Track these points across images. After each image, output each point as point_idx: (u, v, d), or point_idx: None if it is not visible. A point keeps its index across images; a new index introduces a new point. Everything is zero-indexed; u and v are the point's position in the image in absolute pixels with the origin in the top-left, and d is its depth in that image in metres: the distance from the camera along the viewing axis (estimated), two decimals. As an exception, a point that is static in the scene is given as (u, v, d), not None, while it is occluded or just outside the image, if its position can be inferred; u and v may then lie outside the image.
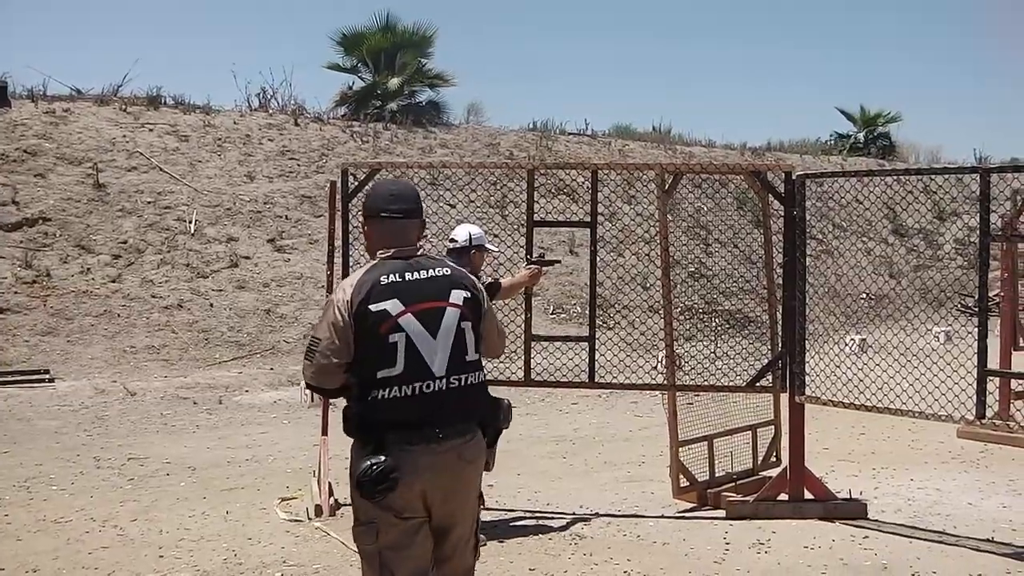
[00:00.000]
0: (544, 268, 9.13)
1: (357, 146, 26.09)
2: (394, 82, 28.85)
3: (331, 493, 9.31)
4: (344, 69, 30.25)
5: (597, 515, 9.23)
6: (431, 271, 4.95)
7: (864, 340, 21.04)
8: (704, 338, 19.80)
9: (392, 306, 4.76)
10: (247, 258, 20.98)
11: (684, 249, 25.15)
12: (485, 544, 7.18)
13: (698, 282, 23.72)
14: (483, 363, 5.09)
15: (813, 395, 9.12)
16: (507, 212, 23.44)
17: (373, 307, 4.74)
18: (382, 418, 4.73)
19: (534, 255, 9.28)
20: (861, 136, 40.46)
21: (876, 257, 29.04)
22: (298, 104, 28.15)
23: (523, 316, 9.37)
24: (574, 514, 9.26)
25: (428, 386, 4.78)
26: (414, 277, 4.88)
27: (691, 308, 23.02)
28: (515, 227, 19.87)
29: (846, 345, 20.41)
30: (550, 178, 24.16)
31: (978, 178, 8.01)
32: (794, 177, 9.01)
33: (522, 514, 9.30)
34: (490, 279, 8.85)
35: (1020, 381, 12.40)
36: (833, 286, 26.51)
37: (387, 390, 4.73)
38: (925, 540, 8.43)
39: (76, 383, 15.98)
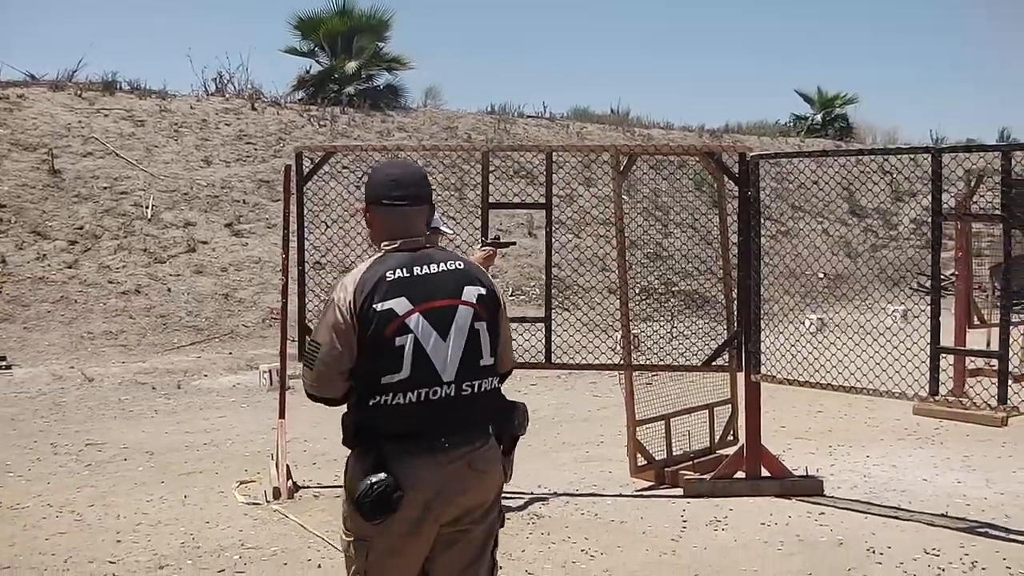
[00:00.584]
0: (499, 249, 8.91)
1: (315, 130, 26.04)
2: (351, 66, 28.73)
3: (289, 476, 9.32)
4: (302, 53, 30.14)
5: (555, 495, 9.28)
6: (442, 265, 4.42)
7: (822, 320, 21.15)
8: (661, 318, 19.85)
9: (399, 305, 4.26)
10: (204, 243, 20.91)
11: (641, 231, 25.25)
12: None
13: (655, 263, 23.79)
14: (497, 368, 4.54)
15: (768, 374, 9.18)
16: (464, 195, 23.43)
17: (379, 307, 4.24)
18: (383, 426, 4.27)
19: (490, 237, 9.09)
20: (819, 118, 40.56)
21: (833, 238, 29.20)
22: (255, 88, 28.09)
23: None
24: (532, 494, 9.29)
25: (435, 392, 4.28)
26: (423, 272, 4.37)
27: (648, 289, 23.11)
28: (471, 209, 19.86)
29: (802, 324, 20.53)
30: (507, 161, 24.19)
31: (930, 158, 8.09)
32: (748, 158, 9.07)
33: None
34: None
35: (974, 359, 12.46)
36: (790, 266, 26.73)
37: (390, 395, 4.25)
38: (880, 516, 8.51)
39: (33, 370, 15.89)
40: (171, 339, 17.92)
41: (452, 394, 4.31)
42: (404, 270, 4.34)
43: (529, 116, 31.85)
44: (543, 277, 19.45)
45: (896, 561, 7.40)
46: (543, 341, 9.44)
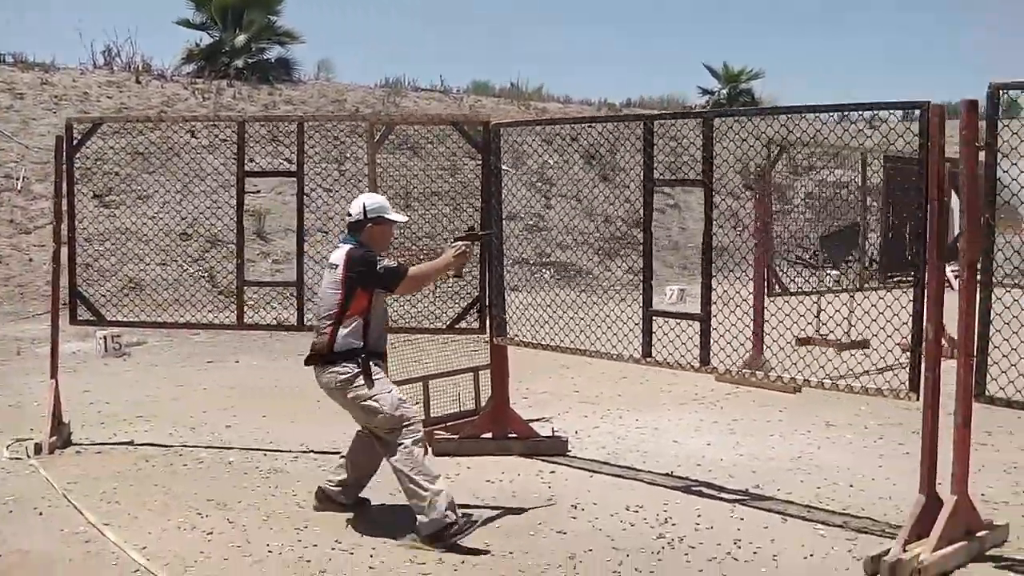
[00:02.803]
0: (474, 244, 8.35)
1: (198, 103, 26.15)
2: (240, 39, 28.82)
3: (58, 433, 9.68)
4: (194, 26, 30.14)
5: (310, 452, 9.75)
6: None
7: (683, 290, 21.62)
8: (528, 288, 20.24)
9: None
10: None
11: (524, 202, 25.62)
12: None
13: (532, 235, 24.15)
14: None
15: (508, 336, 9.57)
16: (345, 167, 23.66)
17: None
18: None
19: (466, 229, 8.63)
20: (725, 92, 41.09)
21: (724, 211, 29.56)
22: (144, 62, 28.08)
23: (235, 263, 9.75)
24: (290, 451, 9.69)
25: None
26: None
27: (523, 260, 23.46)
28: (353, 182, 20.03)
29: (666, 295, 21.04)
30: (398, 133, 24.35)
31: (647, 125, 8.48)
32: (490, 127, 9.45)
33: (239, 450, 9.75)
34: (394, 261, 7.96)
35: (803, 328, 12.70)
36: (674, 239, 27.22)
37: None
38: (607, 474, 9.01)
39: None
40: (27, 308, 18.16)
41: None
42: None
43: (422, 89, 31.97)
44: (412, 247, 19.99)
45: (593, 516, 7.87)
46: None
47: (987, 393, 6.80)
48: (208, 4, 29.49)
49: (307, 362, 7.68)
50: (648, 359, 8.56)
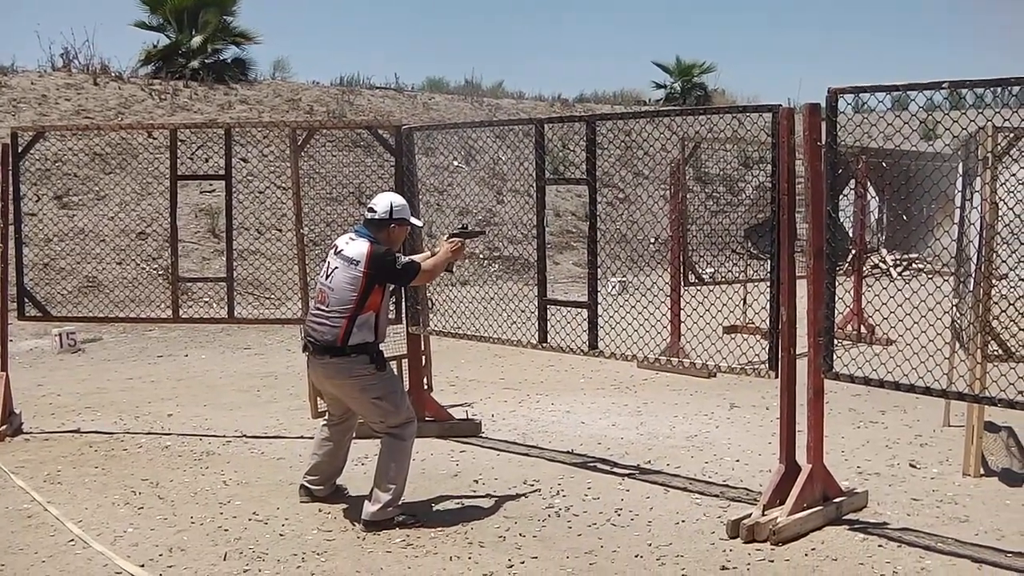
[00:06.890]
0: (467, 241, 8.56)
1: (155, 104, 26.65)
2: (196, 40, 29.25)
3: (8, 422, 10.46)
4: (150, 27, 30.32)
5: (243, 436, 10.49)
6: None
7: (623, 282, 22.31)
8: (476, 282, 21.01)
9: None
10: (32, 215, 21.66)
11: (476, 198, 26.41)
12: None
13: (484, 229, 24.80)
14: None
15: (423, 325, 10.35)
16: (299, 166, 24.27)
17: None
18: None
19: (458, 227, 8.89)
20: (678, 87, 41.84)
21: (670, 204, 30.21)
22: (102, 63, 28.51)
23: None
24: (224, 436, 10.44)
25: None
26: None
27: (472, 254, 24.14)
28: (305, 179, 20.64)
29: (609, 286, 21.77)
30: (349, 134, 24.97)
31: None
32: (402, 130, 10.23)
33: (177, 435, 10.52)
34: (407, 258, 8.08)
35: (728, 319, 13.29)
36: (621, 231, 27.90)
37: None
38: (513, 453, 9.76)
39: None
40: (-13, 307, 18.78)
41: None
42: None
43: (377, 87, 32.54)
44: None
45: (490, 489, 8.62)
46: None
47: (833, 370, 7.57)
48: (163, 6, 29.79)
49: (309, 351, 7.86)
50: (544, 344, 9.32)
